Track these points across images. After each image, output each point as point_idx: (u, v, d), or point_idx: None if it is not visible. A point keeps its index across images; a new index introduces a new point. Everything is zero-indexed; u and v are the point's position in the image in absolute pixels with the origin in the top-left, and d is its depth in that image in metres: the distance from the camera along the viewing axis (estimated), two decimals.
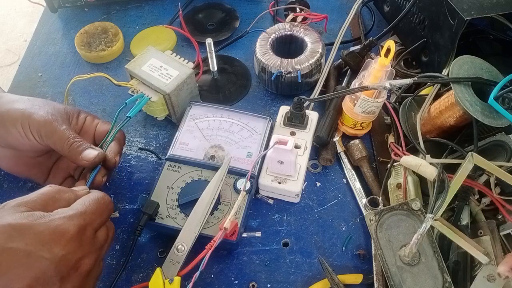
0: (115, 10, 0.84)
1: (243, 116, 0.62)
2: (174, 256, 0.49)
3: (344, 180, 0.61)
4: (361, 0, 0.74)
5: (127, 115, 0.57)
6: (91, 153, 0.53)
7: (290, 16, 0.73)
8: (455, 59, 0.55)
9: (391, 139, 0.61)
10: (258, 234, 0.56)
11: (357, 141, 0.61)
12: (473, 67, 0.55)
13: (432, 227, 0.49)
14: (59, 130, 0.52)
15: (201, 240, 0.51)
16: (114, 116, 0.56)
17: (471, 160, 0.49)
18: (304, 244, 0.56)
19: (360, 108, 0.58)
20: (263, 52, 0.68)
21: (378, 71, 0.55)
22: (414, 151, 0.56)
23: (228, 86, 0.71)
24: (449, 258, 0.51)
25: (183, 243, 0.50)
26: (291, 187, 0.56)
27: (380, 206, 0.56)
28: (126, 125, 0.66)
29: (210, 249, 0.48)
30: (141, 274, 0.54)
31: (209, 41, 0.64)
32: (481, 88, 0.54)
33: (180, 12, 0.77)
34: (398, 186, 0.56)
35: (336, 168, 0.63)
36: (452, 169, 0.51)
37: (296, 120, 0.61)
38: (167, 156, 0.59)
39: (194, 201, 0.54)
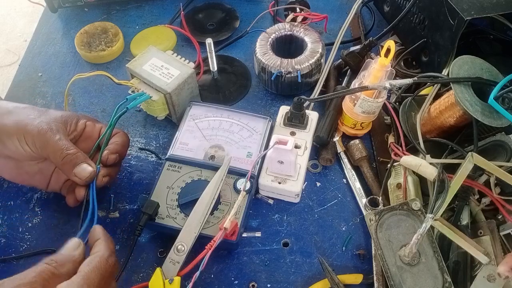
0: (115, 10, 0.84)
1: (243, 116, 0.62)
2: (174, 256, 0.49)
3: (344, 180, 0.61)
4: (361, 0, 0.74)
5: (125, 106, 0.57)
6: (85, 170, 0.52)
7: (290, 16, 0.73)
8: (455, 59, 0.55)
9: (391, 139, 0.61)
10: (258, 234, 0.56)
11: (357, 141, 0.61)
12: (473, 67, 0.55)
13: (432, 227, 0.49)
14: (53, 140, 0.51)
15: (201, 240, 0.51)
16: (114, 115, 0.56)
17: (471, 160, 0.49)
18: (304, 244, 0.56)
19: (360, 108, 0.58)
20: (263, 52, 0.68)
21: (378, 71, 0.55)
22: (414, 151, 0.56)
23: (228, 86, 0.71)
24: (449, 258, 0.51)
25: (183, 243, 0.50)
26: (291, 187, 0.56)
27: (380, 206, 0.56)
28: (126, 125, 0.67)
29: (210, 249, 0.48)
30: (141, 274, 0.54)
31: (209, 41, 0.64)
32: (481, 88, 0.54)
33: (182, 12, 0.77)
34: (398, 186, 0.56)
35: (336, 168, 0.63)
36: (452, 169, 0.51)
37: (296, 120, 0.61)
38: (167, 156, 0.59)
39: (194, 201, 0.54)
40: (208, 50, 0.65)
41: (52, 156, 0.52)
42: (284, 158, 0.54)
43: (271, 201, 0.59)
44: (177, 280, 0.48)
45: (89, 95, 0.72)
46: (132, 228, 0.57)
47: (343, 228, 0.57)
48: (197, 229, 0.51)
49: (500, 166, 0.50)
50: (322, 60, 0.68)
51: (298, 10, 0.74)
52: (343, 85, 0.69)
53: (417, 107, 0.61)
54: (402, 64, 0.70)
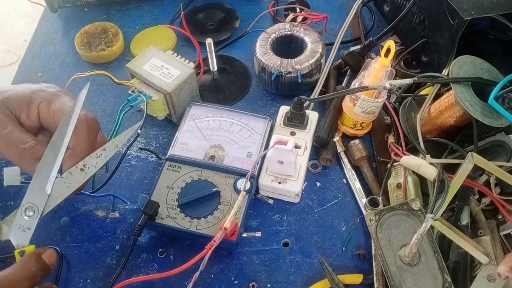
0: (115, 10, 0.84)
1: (243, 116, 0.62)
2: (23, 220, 0.41)
3: (344, 180, 0.61)
4: (361, 0, 0.74)
5: (129, 103, 0.57)
6: None
7: (290, 16, 0.73)
8: (455, 59, 0.55)
9: (391, 139, 0.61)
10: (258, 234, 0.56)
11: (357, 141, 0.61)
12: (473, 67, 0.55)
13: (432, 227, 0.49)
14: (2, 135, 0.43)
15: (201, 240, 0.51)
16: (115, 115, 0.56)
17: (471, 160, 0.49)
18: (304, 244, 0.56)
19: (360, 108, 0.58)
20: (263, 52, 0.68)
21: (378, 71, 0.55)
22: (414, 151, 0.56)
23: (228, 86, 0.71)
24: (449, 258, 0.51)
25: (33, 203, 0.41)
26: (291, 187, 0.56)
27: (380, 206, 0.56)
28: (127, 125, 0.66)
29: (210, 249, 0.48)
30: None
31: (209, 41, 0.64)
32: (481, 88, 0.54)
33: (182, 12, 0.77)
34: (398, 186, 0.56)
35: (336, 168, 0.63)
36: (452, 169, 0.51)
37: (296, 120, 0.61)
38: (167, 156, 0.59)
39: (194, 201, 0.54)
40: (208, 50, 0.65)
41: (7, 154, 0.44)
42: (284, 158, 0.54)
43: (271, 201, 0.59)
44: (30, 249, 0.41)
45: (89, 95, 0.71)
46: (132, 228, 0.57)
47: (343, 228, 0.57)
48: (51, 184, 0.41)
49: (500, 166, 0.50)
50: (322, 60, 0.68)
51: (298, 10, 0.74)
52: (343, 85, 0.69)
53: (417, 107, 0.61)
54: (402, 64, 0.70)
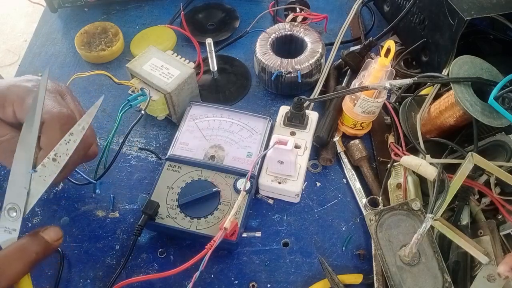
0: (115, 10, 0.84)
1: (243, 116, 0.62)
2: (8, 222, 0.40)
3: (344, 180, 0.61)
4: (361, 0, 0.74)
5: (129, 103, 0.57)
6: None
7: (290, 16, 0.73)
8: (455, 59, 0.55)
9: (391, 139, 0.61)
10: (258, 234, 0.56)
11: (357, 141, 0.61)
12: (473, 67, 0.55)
13: (432, 227, 0.49)
14: None
15: (201, 240, 0.51)
16: (115, 115, 0.56)
17: (471, 160, 0.49)
18: (304, 244, 0.56)
19: (360, 108, 0.58)
20: (263, 52, 0.68)
21: (378, 71, 0.55)
22: (414, 151, 0.56)
23: (228, 86, 0.71)
24: (449, 258, 0.51)
25: (14, 203, 0.40)
26: (291, 187, 0.56)
27: (380, 206, 0.56)
28: (127, 124, 0.66)
29: (210, 249, 0.48)
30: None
31: (209, 41, 0.64)
32: (481, 88, 0.54)
33: (182, 12, 0.77)
34: (398, 186, 0.56)
35: (336, 168, 0.63)
36: (452, 169, 0.51)
37: (296, 120, 0.61)
38: (167, 156, 0.59)
39: (194, 201, 0.54)
40: (208, 50, 0.65)
41: None
42: (284, 158, 0.54)
43: (271, 201, 0.59)
44: None
45: (89, 95, 0.72)
46: (132, 228, 0.57)
47: (343, 228, 0.57)
48: (28, 181, 0.41)
49: (500, 166, 0.50)
50: (322, 60, 0.68)
51: (298, 10, 0.74)
52: (343, 85, 0.69)
53: (417, 107, 0.61)
54: (402, 64, 0.70)
